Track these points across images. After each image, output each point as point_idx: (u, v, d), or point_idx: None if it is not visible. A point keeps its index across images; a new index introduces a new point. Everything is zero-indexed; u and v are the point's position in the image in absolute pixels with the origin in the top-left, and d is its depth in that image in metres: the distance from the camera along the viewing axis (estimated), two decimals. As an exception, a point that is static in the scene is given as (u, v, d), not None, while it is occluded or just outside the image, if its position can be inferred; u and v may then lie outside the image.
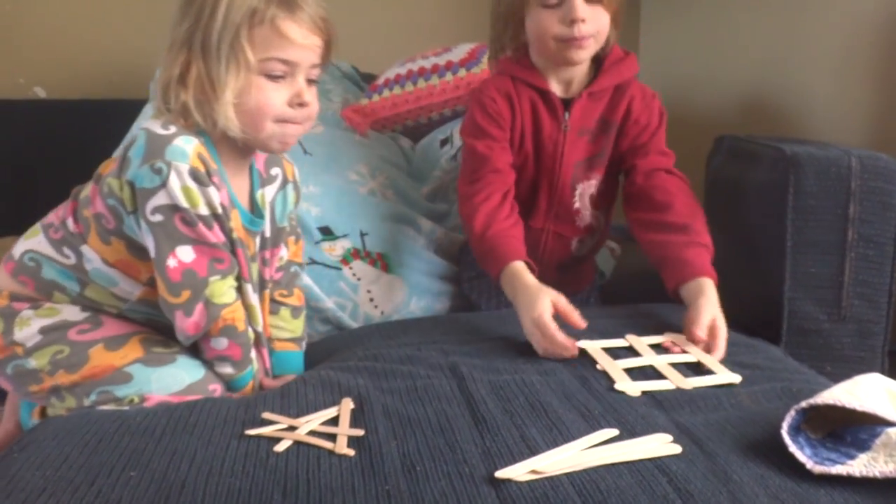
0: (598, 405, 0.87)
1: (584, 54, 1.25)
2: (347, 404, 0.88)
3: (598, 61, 1.32)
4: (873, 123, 1.54)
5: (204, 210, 0.98)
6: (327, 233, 1.49)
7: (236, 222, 1.06)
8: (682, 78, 2.26)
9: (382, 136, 1.75)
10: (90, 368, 0.99)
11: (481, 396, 0.90)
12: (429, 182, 1.68)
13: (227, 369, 1.06)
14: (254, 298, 1.10)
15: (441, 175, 1.67)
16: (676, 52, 2.32)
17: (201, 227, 0.98)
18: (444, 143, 1.71)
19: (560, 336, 1.04)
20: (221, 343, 1.04)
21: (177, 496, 0.69)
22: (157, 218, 0.97)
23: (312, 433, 0.81)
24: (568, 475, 0.72)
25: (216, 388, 1.04)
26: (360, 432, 0.80)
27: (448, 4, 2.29)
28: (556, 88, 1.30)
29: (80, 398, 0.99)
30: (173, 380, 1.01)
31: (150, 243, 0.99)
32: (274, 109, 1.00)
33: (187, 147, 0.97)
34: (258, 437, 0.80)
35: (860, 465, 0.73)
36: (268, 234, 1.16)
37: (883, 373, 1.30)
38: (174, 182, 0.95)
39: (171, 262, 0.98)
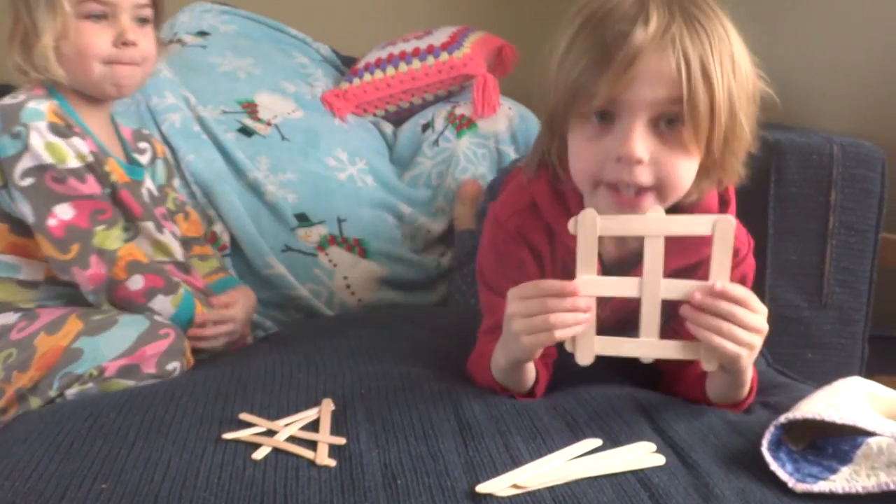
0: (584, 413, 0.86)
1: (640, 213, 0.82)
2: (328, 406, 0.86)
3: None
4: (856, 110, 1.53)
5: (74, 163, 1.00)
6: (303, 219, 1.47)
7: (115, 169, 1.07)
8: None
9: (363, 120, 1.72)
10: (40, 357, 0.98)
11: (468, 399, 0.88)
12: (410, 168, 1.66)
13: (163, 299, 1.06)
14: (161, 235, 1.11)
15: (423, 161, 1.65)
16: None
17: (73, 181, 1.00)
18: (425, 127, 1.69)
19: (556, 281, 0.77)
20: (137, 282, 1.05)
21: (149, 512, 0.67)
22: (28, 181, 0.99)
23: (292, 439, 0.79)
24: (549, 489, 0.71)
25: (168, 332, 1.03)
26: (341, 441, 0.78)
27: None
28: (607, 248, 0.91)
29: (45, 393, 0.97)
30: (122, 339, 0.99)
31: (26, 210, 1.00)
32: (97, 50, 1.03)
33: (40, 107, 1.00)
34: (235, 441, 0.78)
35: (842, 481, 0.72)
36: (155, 192, 1.19)
37: (863, 359, 1.32)
38: (36, 141, 0.98)
39: (52, 222, 1.00)
